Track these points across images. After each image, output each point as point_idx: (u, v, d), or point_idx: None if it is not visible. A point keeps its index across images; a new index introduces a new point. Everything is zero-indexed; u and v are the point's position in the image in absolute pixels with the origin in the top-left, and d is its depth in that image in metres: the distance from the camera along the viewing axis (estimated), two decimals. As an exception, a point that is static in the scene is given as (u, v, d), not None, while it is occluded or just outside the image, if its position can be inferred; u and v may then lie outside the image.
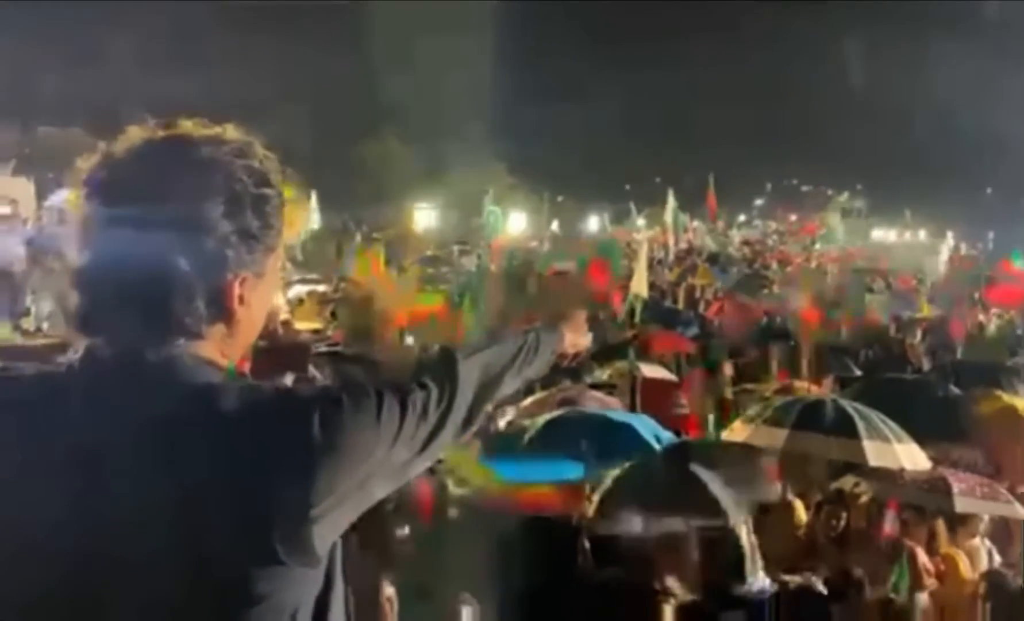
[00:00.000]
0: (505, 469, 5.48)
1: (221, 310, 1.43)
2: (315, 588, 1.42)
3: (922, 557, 5.00)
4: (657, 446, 5.91)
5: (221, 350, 1.46)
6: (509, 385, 1.72)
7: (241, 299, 1.45)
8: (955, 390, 9.16)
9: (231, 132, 1.49)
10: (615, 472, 5.53)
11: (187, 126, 1.48)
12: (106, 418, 1.37)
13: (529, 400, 7.52)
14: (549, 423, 5.99)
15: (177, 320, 1.40)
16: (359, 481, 1.41)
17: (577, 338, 1.99)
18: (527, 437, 5.87)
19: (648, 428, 6.11)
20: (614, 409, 7.13)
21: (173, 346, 1.40)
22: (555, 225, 36.93)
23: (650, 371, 8.88)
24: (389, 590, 4.72)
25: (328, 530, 1.39)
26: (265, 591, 1.36)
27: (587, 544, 5.22)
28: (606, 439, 5.76)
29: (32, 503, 1.37)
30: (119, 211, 1.40)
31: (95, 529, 1.35)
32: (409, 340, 11.08)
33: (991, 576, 5.35)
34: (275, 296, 1.60)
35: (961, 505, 5.82)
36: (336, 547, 1.45)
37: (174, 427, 1.36)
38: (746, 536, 5.33)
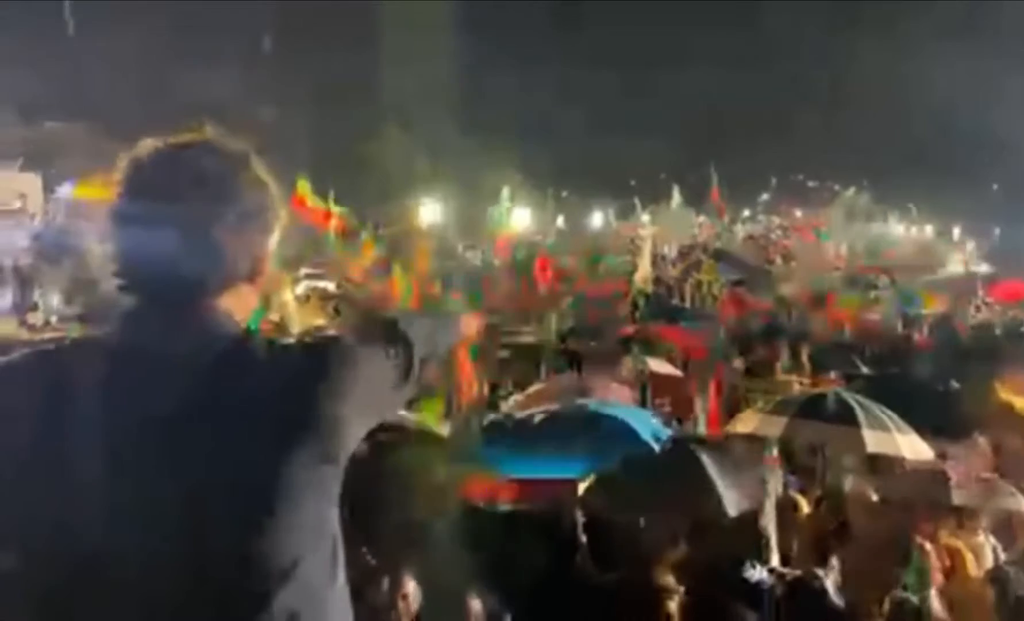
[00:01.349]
0: (504, 465, 5.52)
1: (224, 270, 1.72)
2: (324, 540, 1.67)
3: (932, 554, 5.01)
4: (655, 445, 5.88)
5: (239, 304, 1.74)
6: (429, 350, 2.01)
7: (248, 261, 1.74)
8: (956, 385, 9.23)
9: (233, 141, 1.78)
10: (612, 466, 5.57)
11: (202, 133, 1.76)
12: (158, 362, 1.62)
13: (531, 389, 7.58)
14: (547, 419, 6.00)
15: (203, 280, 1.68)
16: (365, 402, 1.74)
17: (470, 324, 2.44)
18: (526, 432, 5.88)
19: (647, 426, 6.10)
20: (621, 402, 7.15)
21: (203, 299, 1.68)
22: (560, 221, 36.94)
23: (657, 366, 8.92)
24: (410, 585, 4.71)
25: (347, 432, 1.70)
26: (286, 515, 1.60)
27: (584, 539, 5.25)
28: (602, 437, 5.79)
29: (118, 457, 1.58)
30: (150, 204, 1.68)
31: (163, 464, 1.57)
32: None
33: (996, 572, 5.34)
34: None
35: (959, 497, 5.85)
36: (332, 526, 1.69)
37: (217, 360, 1.64)
38: (771, 522, 5.38)
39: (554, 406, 6.27)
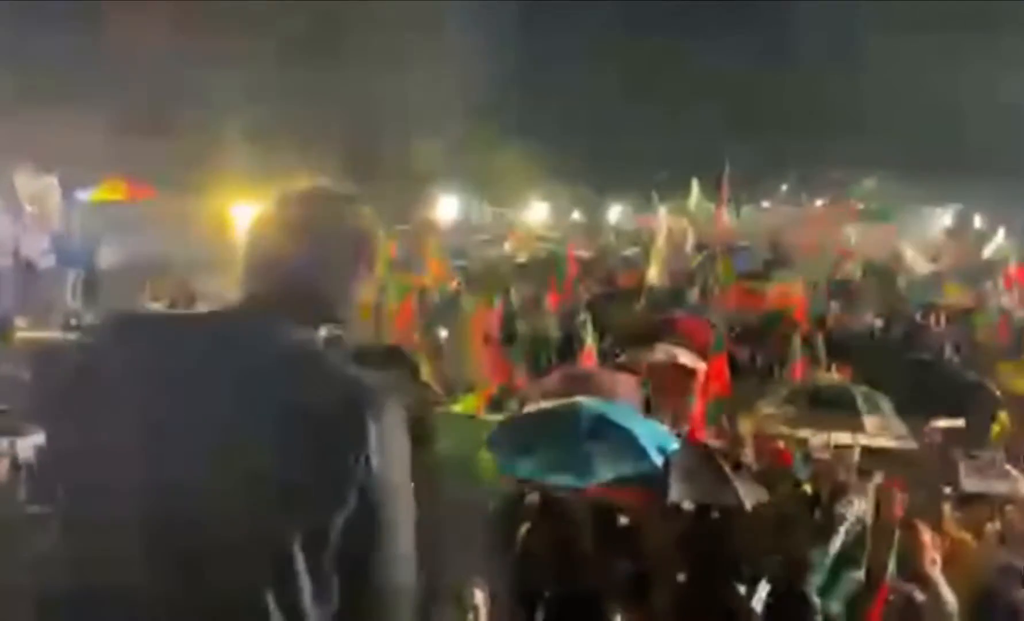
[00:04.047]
0: (507, 466, 5.53)
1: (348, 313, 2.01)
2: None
3: (925, 537, 4.98)
4: (658, 459, 5.63)
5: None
6: None
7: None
8: (972, 375, 9.23)
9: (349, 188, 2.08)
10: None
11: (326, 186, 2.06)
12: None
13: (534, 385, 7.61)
14: (551, 420, 5.89)
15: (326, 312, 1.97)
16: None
17: None
18: (527, 431, 5.81)
19: (653, 438, 5.81)
20: (624, 403, 6.99)
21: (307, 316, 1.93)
22: (576, 214, 36.87)
23: (663, 357, 8.84)
24: (479, 597, 4.73)
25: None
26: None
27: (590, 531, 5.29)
28: (607, 449, 5.60)
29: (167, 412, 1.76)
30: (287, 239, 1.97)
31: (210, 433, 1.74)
32: (443, 333, 11.18)
33: (1000, 570, 5.29)
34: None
35: (969, 485, 5.85)
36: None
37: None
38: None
39: (560, 403, 6.15)
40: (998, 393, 8.71)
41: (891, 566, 5.07)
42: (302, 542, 1.69)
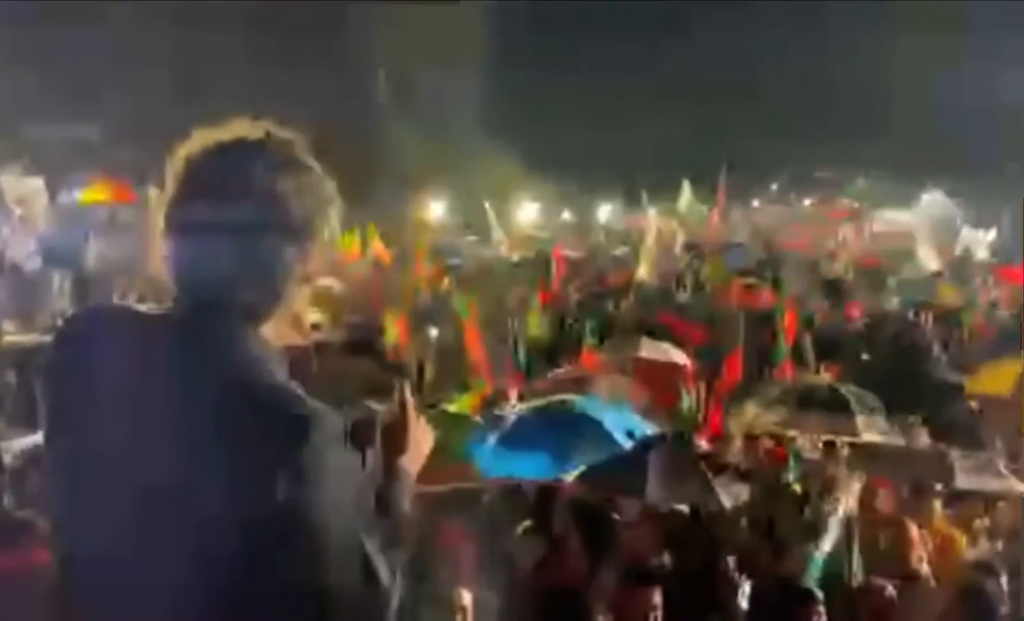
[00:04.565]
0: (481, 463, 5.54)
1: (276, 292, 1.71)
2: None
3: (913, 534, 5.00)
4: (627, 443, 5.77)
5: (273, 330, 1.72)
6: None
7: (297, 284, 1.73)
8: (958, 377, 9.27)
9: (299, 141, 1.76)
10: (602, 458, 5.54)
11: (259, 128, 1.73)
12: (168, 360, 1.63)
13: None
14: (521, 419, 5.97)
15: (243, 296, 1.67)
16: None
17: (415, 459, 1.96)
18: (500, 430, 5.84)
19: (620, 423, 5.93)
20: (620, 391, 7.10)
21: (235, 317, 1.66)
22: (566, 214, 36.82)
23: (649, 353, 8.84)
24: (467, 599, 4.72)
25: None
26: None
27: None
28: (573, 437, 5.73)
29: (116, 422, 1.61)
30: (204, 199, 1.67)
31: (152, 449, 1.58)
32: (434, 332, 11.15)
33: (975, 565, 5.28)
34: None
35: (963, 482, 5.84)
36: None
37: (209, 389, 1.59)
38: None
39: (538, 402, 6.24)
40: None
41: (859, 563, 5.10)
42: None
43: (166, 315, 1.70)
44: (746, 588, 4.51)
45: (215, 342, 1.64)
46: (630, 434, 5.82)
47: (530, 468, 5.63)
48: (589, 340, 9.53)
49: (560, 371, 8.65)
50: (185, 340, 1.64)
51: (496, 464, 5.57)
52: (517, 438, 5.67)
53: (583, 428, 5.80)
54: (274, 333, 1.71)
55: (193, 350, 1.63)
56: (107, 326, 1.72)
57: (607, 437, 5.71)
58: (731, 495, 5.51)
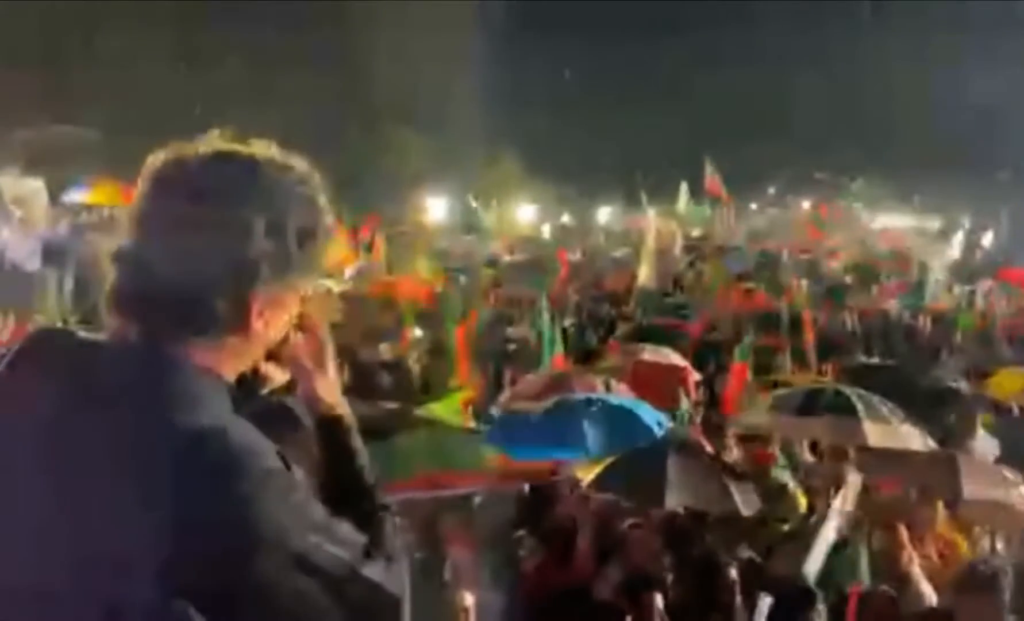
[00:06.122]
0: (514, 451, 5.55)
1: (239, 321, 1.50)
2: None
3: (903, 536, 4.98)
4: (659, 431, 5.92)
5: (227, 361, 1.53)
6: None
7: (261, 314, 1.51)
8: (950, 379, 9.28)
9: (298, 162, 1.57)
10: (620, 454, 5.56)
11: (259, 147, 1.57)
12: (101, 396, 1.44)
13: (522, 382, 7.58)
14: (554, 406, 6.00)
15: (197, 319, 1.48)
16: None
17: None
18: (532, 419, 5.88)
19: (650, 413, 6.09)
20: (620, 394, 7.08)
21: (185, 345, 1.48)
22: (565, 216, 36.82)
23: (650, 355, 8.82)
24: (468, 600, 4.71)
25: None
26: None
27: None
28: (608, 424, 5.79)
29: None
30: (171, 208, 1.49)
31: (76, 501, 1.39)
32: (418, 332, 11.15)
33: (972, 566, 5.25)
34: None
35: (969, 491, 5.77)
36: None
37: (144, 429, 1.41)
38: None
39: (555, 397, 6.23)
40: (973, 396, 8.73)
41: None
42: None
43: (97, 347, 1.51)
44: (763, 607, 4.45)
45: (144, 380, 1.45)
46: (659, 424, 5.92)
47: (567, 452, 5.67)
48: (558, 346, 9.36)
49: (532, 376, 8.41)
50: (111, 376, 1.46)
51: (529, 450, 5.59)
52: (550, 425, 5.68)
53: (616, 416, 5.90)
54: (225, 361, 1.52)
55: (115, 390, 1.45)
56: (38, 356, 1.52)
57: (641, 423, 5.81)
58: (749, 503, 5.47)
